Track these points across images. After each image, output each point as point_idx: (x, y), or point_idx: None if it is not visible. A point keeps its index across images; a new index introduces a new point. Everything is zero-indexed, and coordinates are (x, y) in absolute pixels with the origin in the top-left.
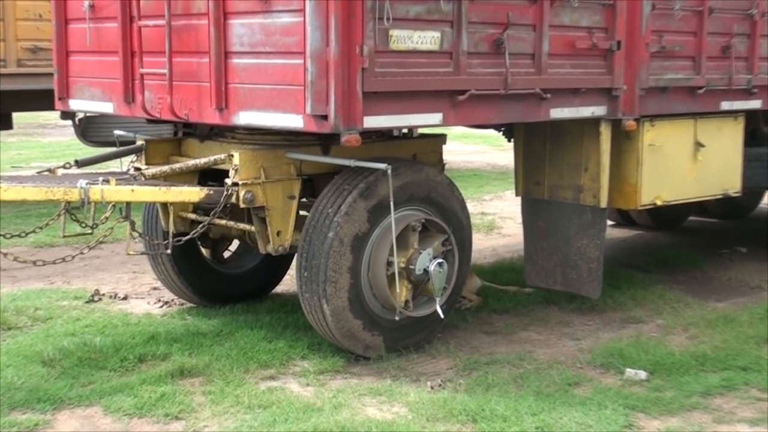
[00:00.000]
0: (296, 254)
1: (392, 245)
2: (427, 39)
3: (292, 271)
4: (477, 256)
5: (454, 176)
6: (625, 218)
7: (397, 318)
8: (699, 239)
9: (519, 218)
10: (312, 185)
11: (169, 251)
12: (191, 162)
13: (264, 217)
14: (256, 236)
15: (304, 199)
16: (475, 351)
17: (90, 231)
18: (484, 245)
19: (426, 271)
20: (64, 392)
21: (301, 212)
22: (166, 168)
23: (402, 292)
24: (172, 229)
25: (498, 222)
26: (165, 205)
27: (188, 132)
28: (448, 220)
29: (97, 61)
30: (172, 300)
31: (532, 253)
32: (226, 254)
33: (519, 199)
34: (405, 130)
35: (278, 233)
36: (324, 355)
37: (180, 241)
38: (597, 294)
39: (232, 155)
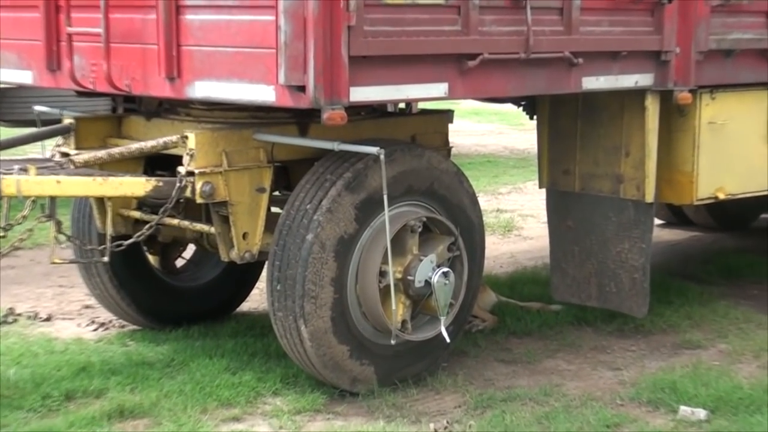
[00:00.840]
0: (267, 262)
1: (386, 250)
2: None
3: (261, 283)
4: (491, 264)
5: (463, 163)
6: (677, 216)
7: (392, 342)
8: None
9: (543, 216)
10: (287, 175)
11: (105, 259)
12: (135, 146)
13: (227, 215)
14: (216, 239)
15: (276, 193)
16: (489, 384)
17: (2, 234)
18: (500, 250)
19: (428, 283)
20: None
21: (274, 209)
22: (102, 153)
23: (398, 309)
24: (110, 231)
25: (517, 221)
26: (101, 201)
27: (130, 108)
28: (455, 218)
29: (10, 19)
30: (110, 321)
31: (560, 260)
32: (179, 263)
33: (543, 192)
34: (402, 105)
35: (244, 235)
36: (301, 391)
37: (120, 246)
38: (643, 312)
39: (187, 137)
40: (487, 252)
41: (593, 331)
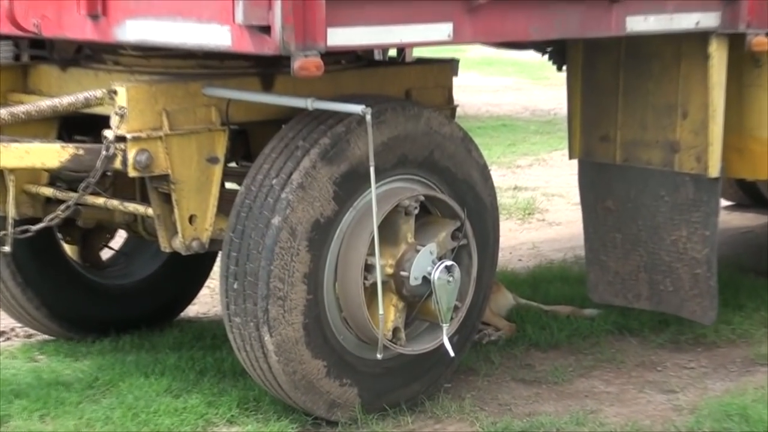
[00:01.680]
0: (221, 254)
1: (373, 238)
2: None
3: (213, 281)
4: (508, 256)
5: (472, 127)
6: (750, 195)
7: (379, 357)
8: None
9: (575, 196)
10: (246, 141)
11: (7, 249)
12: (46, 103)
13: (168, 192)
14: (155, 224)
15: (233, 164)
16: (505, 411)
17: None
18: (519, 239)
19: (426, 280)
20: None
21: (229, 185)
22: (2, 112)
23: (389, 314)
24: (12, 213)
25: (541, 201)
26: (0, 174)
27: (39, 55)
28: (461, 197)
29: None
30: (12, 329)
31: (597, 251)
32: (106, 254)
33: (575, 164)
34: (393, 52)
35: (191, 219)
36: (264, 419)
37: (26, 232)
38: (710, 317)
39: (115, 92)
40: (503, 241)
41: (639, 342)
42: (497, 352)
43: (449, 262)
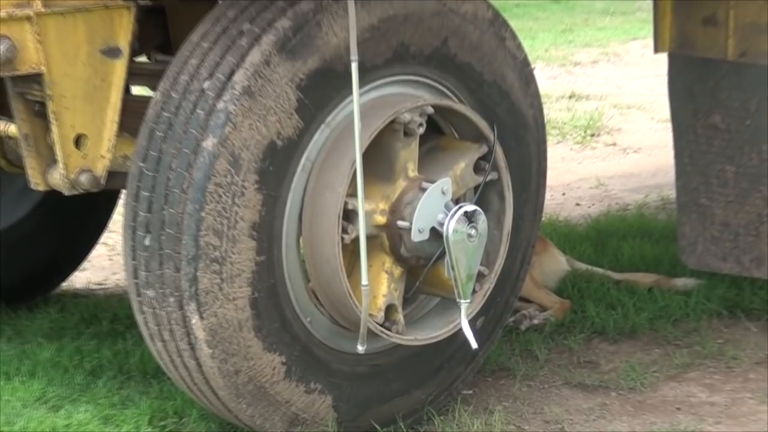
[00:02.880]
0: (125, 194)
1: (355, 170)
2: None
3: (112, 236)
4: (560, 199)
5: (508, 6)
6: None
7: (361, 349)
8: None
9: (659, 108)
10: (163, 24)
11: None
12: None
13: (42, 100)
14: (22, 149)
15: (144, 59)
16: (554, 428)
17: None
18: (577, 173)
19: (437, 234)
20: None
21: (136, 90)
22: None
23: (378, 285)
24: None
25: (611, 117)
26: None
27: None
28: (489, 109)
29: None
30: None
31: (695, 192)
32: None
33: (662, 60)
34: None
35: (78, 141)
36: None
37: None
38: None
39: None
40: (554, 175)
41: (761, 330)
42: (543, 342)
43: (471, 207)
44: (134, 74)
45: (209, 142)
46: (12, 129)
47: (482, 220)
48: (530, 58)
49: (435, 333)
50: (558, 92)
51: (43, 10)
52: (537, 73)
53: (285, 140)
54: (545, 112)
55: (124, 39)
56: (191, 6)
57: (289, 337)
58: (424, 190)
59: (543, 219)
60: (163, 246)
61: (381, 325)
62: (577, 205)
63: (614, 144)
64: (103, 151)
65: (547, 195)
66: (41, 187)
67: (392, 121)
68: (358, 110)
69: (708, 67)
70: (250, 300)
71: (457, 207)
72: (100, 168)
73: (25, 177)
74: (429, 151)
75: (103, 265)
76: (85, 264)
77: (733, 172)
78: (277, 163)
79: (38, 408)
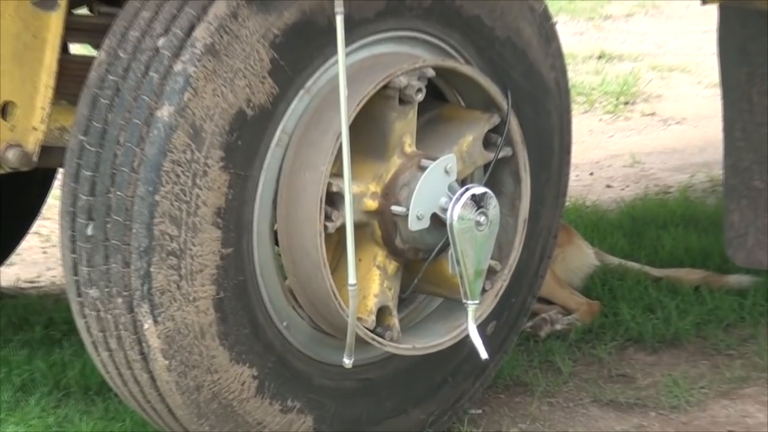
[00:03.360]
0: (63, 173)
1: (341, 145)
2: None
3: (47, 225)
4: (588, 180)
5: None
6: None
7: (347, 362)
8: None
9: (709, 71)
10: None
11: None
12: None
13: None
14: None
15: (85, 11)
16: None
17: None
18: (609, 148)
19: (439, 221)
20: None
21: (75, 49)
22: None
23: (369, 283)
24: None
25: (648, 81)
26: None
27: None
28: (502, 71)
29: None
30: None
31: (746, 176)
32: None
33: (710, 14)
34: None
35: (5, 110)
36: None
37: None
38: None
39: None
40: (581, 151)
41: None
42: (567, 352)
43: (480, 190)
44: (73, 29)
45: (165, 111)
46: None
47: (493, 204)
48: (552, 10)
49: (437, 341)
50: (585, 51)
51: None
52: (560, 29)
53: (256, 109)
54: (570, 75)
55: None
56: None
57: (262, 345)
58: (423, 168)
59: (567, 203)
60: (109, 236)
61: (372, 332)
62: (609, 186)
63: (653, 114)
64: (35, 122)
65: (573, 175)
66: None
67: (385, 86)
68: (344, 73)
69: (767, 21)
70: (214, 301)
71: (463, 189)
72: (32, 142)
73: None
74: (430, 122)
75: (36, 260)
76: (14, 258)
77: None
78: (246, 137)
79: None
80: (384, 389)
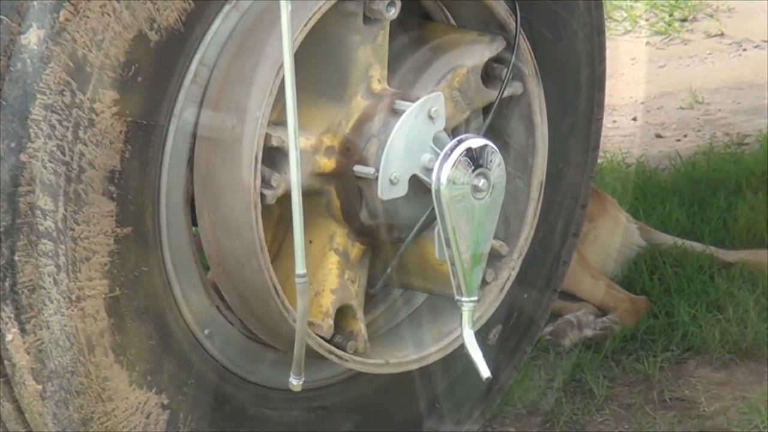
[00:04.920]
0: None
1: (281, 81)
2: None
3: None
4: (628, 127)
5: None
6: None
7: (295, 383)
8: None
9: None
10: None
11: None
12: None
13: None
14: None
15: None
16: None
17: None
18: (659, 83)
19: (419, 185)
20: None
21: None
22: None
23: (325, 272)
24: None
25: None
26: None
27: None
28: None
29: None
30: None
31: None
32: None
33: None
34: None
35: None
36: None
37: None
38: None
39: None
40: (619, 88)
41: None
42: (601, 368)
43: (478, 142)
44: None
45: (33, 37)
46: None
47: (497, 163)
48: None
49: (419, 353)
50: None
51: None
52: None
53: (163, 32)
54: None
55: None
56: None
57: (174, 362)
58: (398, 113)
59: (601, 160)
60: None
61: (329, 341)
62: (658, 136)
63: (720, 34)
64: None
65: (608, 120)
66: None
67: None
68: None
69: None
70: (106, 301)
71: (455, 142)
72: None
73: None
74: (407, 49)
75: None
76: None
77: None
78: (149, 72)
79: None
80: (345, 421)
